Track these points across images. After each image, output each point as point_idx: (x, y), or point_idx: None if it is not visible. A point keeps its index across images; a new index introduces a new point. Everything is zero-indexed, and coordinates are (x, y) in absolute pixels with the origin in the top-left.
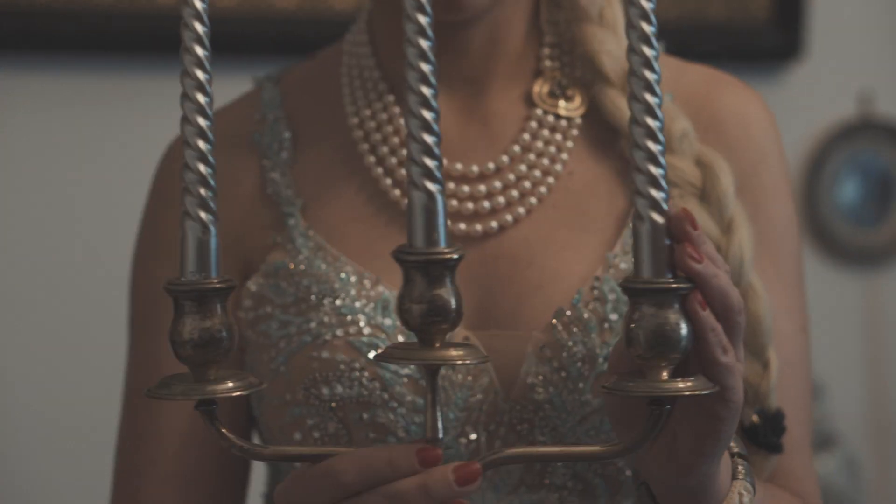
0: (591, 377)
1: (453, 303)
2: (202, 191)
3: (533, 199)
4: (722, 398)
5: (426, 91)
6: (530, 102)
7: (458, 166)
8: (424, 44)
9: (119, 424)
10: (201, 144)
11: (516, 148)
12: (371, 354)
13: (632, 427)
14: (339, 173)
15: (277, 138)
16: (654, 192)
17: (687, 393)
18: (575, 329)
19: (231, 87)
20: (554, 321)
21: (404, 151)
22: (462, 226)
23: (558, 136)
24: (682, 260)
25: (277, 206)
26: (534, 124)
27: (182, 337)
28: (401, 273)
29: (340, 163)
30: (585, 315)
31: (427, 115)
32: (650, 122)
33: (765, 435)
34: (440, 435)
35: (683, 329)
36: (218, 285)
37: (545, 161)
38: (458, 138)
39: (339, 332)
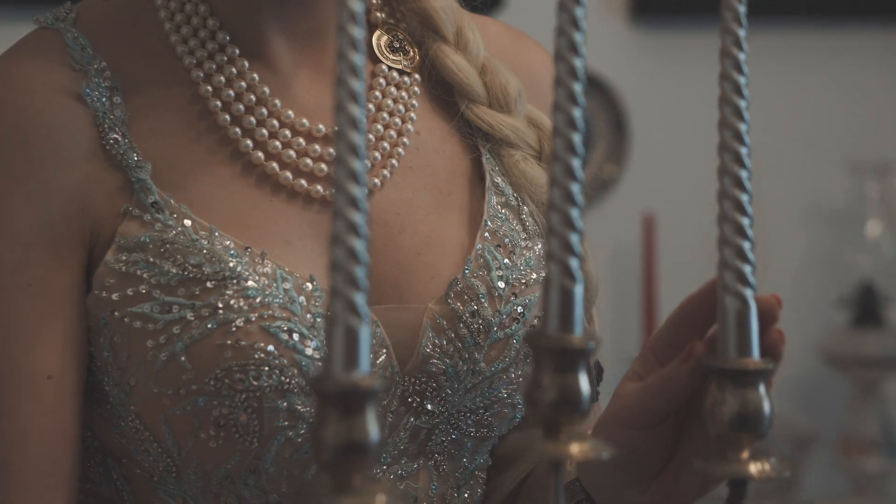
0: (486, 346)
1: (584, 393)
2: None
3: (394, 161)
4: None
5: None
6: (374, 57)
7: (321, 127)
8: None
9: None
10: None
11: (370, 106)
12: (284, 337)
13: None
14: (189, 133)
15: (105, 93)
16: (742, 265)
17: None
18: (468, 299)
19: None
20: (448, 292)
21: (263, 110)
22: (319, 188)
23: (404, 94)
24: (773, 342)
25: (123, 170)
26: (382, 81)
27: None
28: (282, 243)
29: (187, 122)
30: (476, 284)
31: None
32: (741, 196)
33: (596, 384)
34: None
35: (767, 409)
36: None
37: (397, 120)
38: (310, 95)
39: (253, 318)
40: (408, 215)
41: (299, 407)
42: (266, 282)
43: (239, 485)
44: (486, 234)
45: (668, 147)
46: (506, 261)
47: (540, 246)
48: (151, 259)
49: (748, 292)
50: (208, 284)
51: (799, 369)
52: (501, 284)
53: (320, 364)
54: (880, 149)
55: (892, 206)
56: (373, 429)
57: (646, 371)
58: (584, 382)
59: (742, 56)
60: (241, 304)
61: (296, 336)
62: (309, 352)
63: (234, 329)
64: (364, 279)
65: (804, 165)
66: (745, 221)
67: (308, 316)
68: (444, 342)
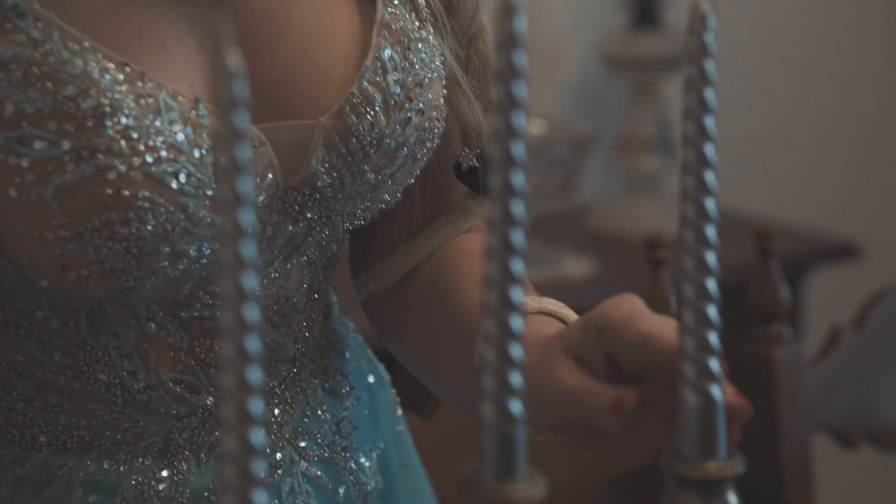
0: (375, 157)
1: None
2: None
3: None
4: None
5: None
6: None
7: None
8: None
9: None
10: None
11: None
12: (171, 182)
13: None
14: None
15: None
16: (706, 357)
17: None
18: (364, 111)
19: None
20: (343, 106)
21: None
22: None
23: None
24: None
25: None
26: None
27: None
28: (158, 48)
29: None
30: (373, 93)
31: None
32: (706, 280)
33: (485, 177)
34: None
35: None
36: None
37: None
38: None
39: (136, 163)
40: (293, 2)
41: (182, 246)
42: (150, 116)
43: (104, 303)
44: (384, 30)
45: None
46: (403, 63)
47: (432, 32)
48: (15, 82)
49: (714, 388)
50: (87, 123)
51: (577, 72)
52: (397, 90)
53: (207, 204)
54: None
55: None
56: None
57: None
58: None
59: None
60: (123, 146)
61: (182, 177)
62: (195, 192)
63: (114, 176)
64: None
65: None
66: (711, 309)
67: (195, 152)
68: (334, 157)
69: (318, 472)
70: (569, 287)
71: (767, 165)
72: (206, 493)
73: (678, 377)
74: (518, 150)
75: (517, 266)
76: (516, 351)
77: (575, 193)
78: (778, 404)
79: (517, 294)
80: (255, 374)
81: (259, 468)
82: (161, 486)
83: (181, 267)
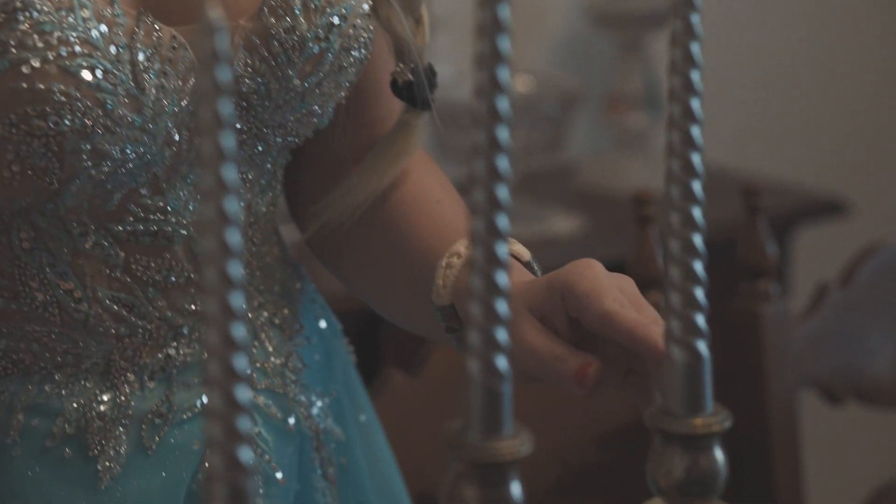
0: (300, 62)
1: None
2: None
3: None
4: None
5: None
6: None
7: None
8: None
9: None
10: None
11: None
12: (86, 75)
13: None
14: None
15: None
16: (693, 313)
17: None
18: (283, 13)
19: None
20: (261, 7)
21: None
22: None
23: None
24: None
25: None
26: None
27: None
28: None
29: None
30: None
31: None
32: (692, 235)
33: (420, 91)
34: None
35: (722, 469)
36: None
37: None
38: None
39: (50, 56)
40: None
41: (104, 146)
42: (63, 12)
43: (34, 215)
44: None
45: None
46: None
47: None
48: None
49: (700, 344)
50: None
51: (564, 28)
52: None
53: (127, 103)
54: None
55: None
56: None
57: (547, 314)
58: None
59: None
60: (36, 40)
61: (99, 73)
62: (113, 89)
63: (28, 70)
64: None
65: None
66: (698, 264)
67: (111, 48)
68: (257, 61)
69: (267, 401)
70: (556, 244)
71: (754, 121)
72: (149, 416)
73: (637, 349)
74: (503, 105)
75: (503, 222)
76: (502, 307)
77: (562, 150)
78: (764, 361)
79: (503, 250)
80: (237, 301)
81: (244, 424)
82: (103, 408)
83: (106, 169)
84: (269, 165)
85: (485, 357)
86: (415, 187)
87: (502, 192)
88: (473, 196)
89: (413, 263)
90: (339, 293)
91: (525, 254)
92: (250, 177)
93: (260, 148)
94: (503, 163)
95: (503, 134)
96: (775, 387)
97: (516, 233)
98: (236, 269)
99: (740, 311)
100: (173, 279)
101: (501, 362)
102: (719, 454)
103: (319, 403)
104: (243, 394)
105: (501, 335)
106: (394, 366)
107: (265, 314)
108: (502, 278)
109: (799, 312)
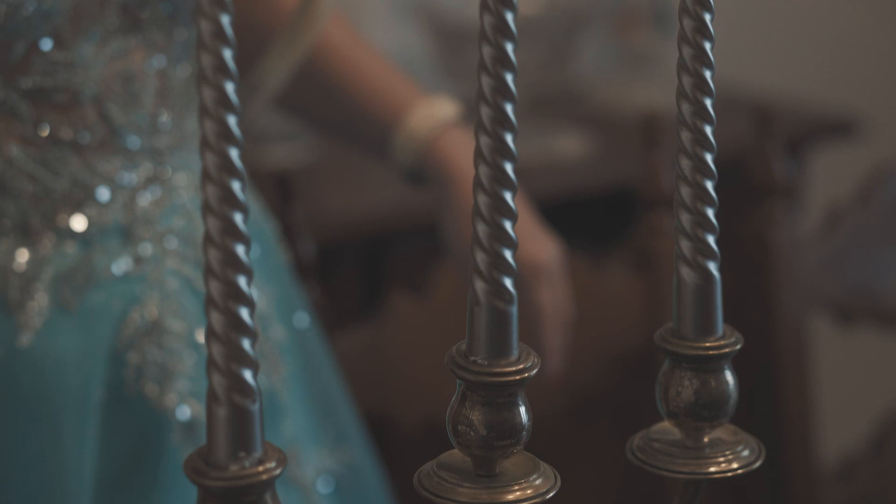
0: None
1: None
2: None
3: None
4: None
5: None
6: None
7: None
8: None
9: None
10: None
11: None
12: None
13: None
14: None
15: None
16: (704, 234)
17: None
18: None
19: None
20: None
21: None
22: None
23: None
24: None
25: None
26: None
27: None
28: None
29: None
30: None
31: None
32: (705, 154)
33: None
34: None
35: (733, 392)
36: None
37: None
38: None
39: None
40: None
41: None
42: None
43: None
44: None
45: None
46: None
47: None
48: None
49: (712, 265)
50: None
51: None
52: None
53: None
54: None
55: None
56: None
57: None
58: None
59: None
60: None
61: None
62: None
63: None
64: None
65: None
66: (709, 184)
67: None
68: None
69: (195, 275)
70: (563, 167)
71: (766, 37)
72: (69, 276)
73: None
74: (508, 18)
75: (508, 139)
76: (507, 227)
77: (570, 71)
78: (773, 283)
79: (509, 168)
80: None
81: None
82: (23, 264)
83: (3, 10)
84: (181, 30)
85: (491, 278)
86: (340, 43)
87: (507, 110)
88: (479, 113)
89: (349, 112)
90: (343, 222)
91: (450, 112)
92: (161, 43)
93: (165, 10)
94: (508, 78)
95: (508, 48)
96: (785, 307)
97: (523, 154)
98: (234, 155)
99: (749, 233)
100: (88, 140)
101: (508, 283)
102: (730, 377)
103: (257, 293)
104: (245, 315)
105: (508, 255)
106: (399, 289)
107: (193, 192)
108: (507, 197)
109: (812, 233)
